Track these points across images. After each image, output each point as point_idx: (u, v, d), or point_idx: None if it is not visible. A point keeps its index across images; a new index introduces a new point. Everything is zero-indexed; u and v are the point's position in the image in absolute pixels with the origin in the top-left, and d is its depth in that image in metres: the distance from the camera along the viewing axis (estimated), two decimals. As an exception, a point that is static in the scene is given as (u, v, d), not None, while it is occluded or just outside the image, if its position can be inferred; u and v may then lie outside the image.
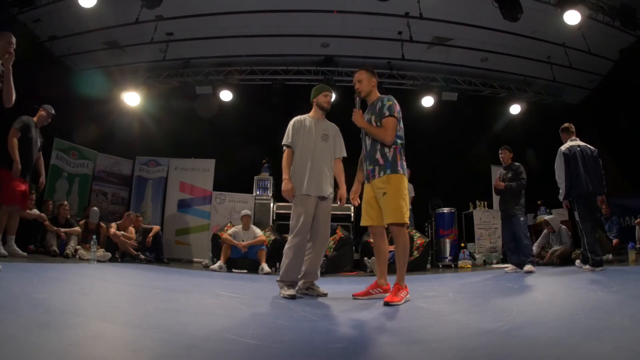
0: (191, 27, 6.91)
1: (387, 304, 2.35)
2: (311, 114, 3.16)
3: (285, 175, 2.90)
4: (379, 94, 2.82)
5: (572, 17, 5.81)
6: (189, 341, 1.42)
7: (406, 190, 2.63)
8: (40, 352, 1.18)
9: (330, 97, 3.14)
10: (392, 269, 2.67)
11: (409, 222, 2.57)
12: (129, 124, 8.23)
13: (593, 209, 4.61)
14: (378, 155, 2.65)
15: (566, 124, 4.74)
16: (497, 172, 7.84)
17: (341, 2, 6.44)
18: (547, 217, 6.48)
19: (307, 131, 3.01)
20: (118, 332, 1.58)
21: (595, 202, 4.78)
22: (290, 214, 2.94)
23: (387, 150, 2.63)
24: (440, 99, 8.17)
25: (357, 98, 2.82)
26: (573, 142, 4.55)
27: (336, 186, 3.10)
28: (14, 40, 3.07)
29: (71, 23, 6.52)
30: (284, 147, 3.02)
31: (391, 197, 2.56)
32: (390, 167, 2.60)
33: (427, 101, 8.17)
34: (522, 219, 4.89)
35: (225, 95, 8.04)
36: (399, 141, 2.66)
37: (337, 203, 3.06)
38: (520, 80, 8.39)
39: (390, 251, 3.26)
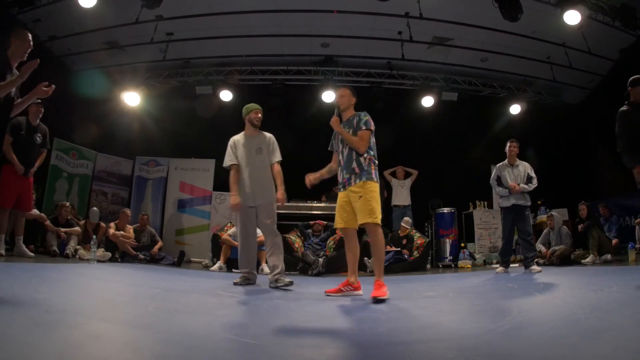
0: (191, 27, 6.90)
1: (375, 299, 2.49)
2: (245, 131, 3.63)
3: (233, 192, 3.39)
4: (354, 112, 3.08)
5: (572, 17, 5.80)
6: (189, 341, 1.42)
7: (379, 196, 2.86)
8: (40, 352, 1.17)
9: (261, 113, 3.66)
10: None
11: (381, 224, 2.80)
12: (129, 124, 8.22)
13: None
14: (354, 165, 2.87)
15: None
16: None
17: (341, 2, 6.44)
18: (553, 212, 6.58)
19: (242, 149, 3.50)
20: (118, 332, 1.58)
21: None
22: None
23: (362, 159, 2.86)
24: (440, 99, 8.15)
25: (337, 109, 3.10)
26: None
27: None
28: (30, 40, 2.94)
29: (71, 23, 6.50)
30: (230, 167, 3.48)
31: (366, 200, 2.77)
32: (366, 175, 2.83)
33: (427, 101, 8.16)
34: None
35: (225, 95, 8.02)
36: (372, 152, 2.91)
37: (278, 204, 3.46)
38: (520, 80, 8.38)
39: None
